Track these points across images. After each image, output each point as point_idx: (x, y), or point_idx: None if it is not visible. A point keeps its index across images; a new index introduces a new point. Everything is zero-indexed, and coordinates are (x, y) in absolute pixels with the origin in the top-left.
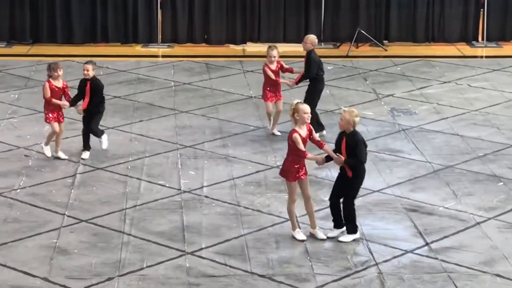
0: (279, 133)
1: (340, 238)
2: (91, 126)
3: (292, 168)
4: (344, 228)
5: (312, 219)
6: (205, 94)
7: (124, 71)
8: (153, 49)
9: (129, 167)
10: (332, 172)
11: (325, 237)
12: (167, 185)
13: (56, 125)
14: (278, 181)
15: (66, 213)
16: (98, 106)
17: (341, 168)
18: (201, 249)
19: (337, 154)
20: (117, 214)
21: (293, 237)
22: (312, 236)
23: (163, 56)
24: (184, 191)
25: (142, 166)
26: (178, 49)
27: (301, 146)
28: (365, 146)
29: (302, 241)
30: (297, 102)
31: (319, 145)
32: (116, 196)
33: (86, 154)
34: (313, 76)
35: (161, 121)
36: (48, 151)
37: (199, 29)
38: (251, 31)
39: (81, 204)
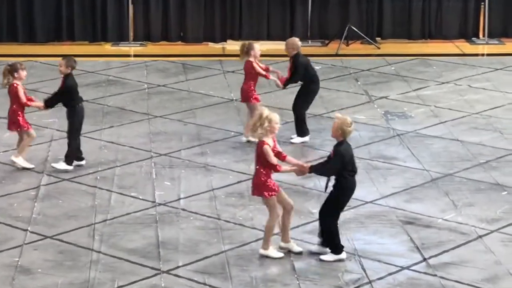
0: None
1: (322, 257)
2: (69, 135)
3: (269, 182)
4: (344, 254)
5: (288, 231)
6: (181, 97)
7: (93, 72)
8: (124, 48)
9: (98, 177)
10: (321, 182)
11: (301, 250)
12: (140, 197)
13: (33, 131)
14: None
15: (29, 228)
16: (68, 109)
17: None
18: (178, 267)
19: (301, 164)
20: (85, 229)
21: (267, 257)
22: (286, 250)
23: (135, 56)
24: (159, 204)
25: (112, 176)
26: (151, 48)
27: (273, 160)
28: (346, 161)
29: (281, 258)
30: (269, 111)
31: (281, 157)
32: (84, 210)
33: (61, 165)
34: (300, 79)
35: (134, 127)
36: (25, 162)
37: (174, 26)
38: (232, 28)
39: (45, 219)
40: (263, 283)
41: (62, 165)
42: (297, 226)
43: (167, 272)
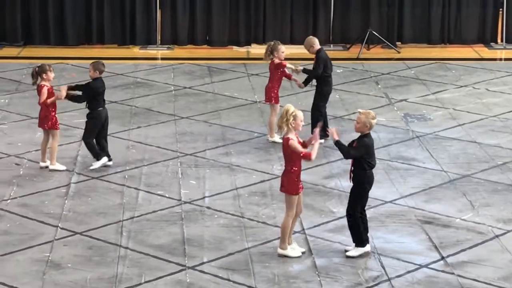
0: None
1: (348, 253)
2: (83, 135)
3: (295, 181)
4: (368, 246)
5: (291, 234)
6: (206, 99)
7: (121, 74)
8: (151, 51)
9: (126, 176)
10: (341, 182)
11: (300, 254)
12: (167, 196)
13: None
14: None
15: (59, 225)
16: (91, 110)
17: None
18: (203, 263)
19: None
20: (113, 226)
21: (286, 256)
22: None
23: (162, 59)
24: (185, 202)
25: (140, 175)
26: (178, 51)
27: (300, 149)
28: (369, 152)
29: (299, 257)
30: (294, 108)
31: (303, 145)
32: (112, 207)
33: (96, 164)
34: (318, 75)
35: (160, 128)
36: (60, 165)
37: (200, 29)
38: (256, 32)
39: (75, 216)
40: (285, 280)
41: (97, 163)
42: (319, 225)
43: (192, 268)
